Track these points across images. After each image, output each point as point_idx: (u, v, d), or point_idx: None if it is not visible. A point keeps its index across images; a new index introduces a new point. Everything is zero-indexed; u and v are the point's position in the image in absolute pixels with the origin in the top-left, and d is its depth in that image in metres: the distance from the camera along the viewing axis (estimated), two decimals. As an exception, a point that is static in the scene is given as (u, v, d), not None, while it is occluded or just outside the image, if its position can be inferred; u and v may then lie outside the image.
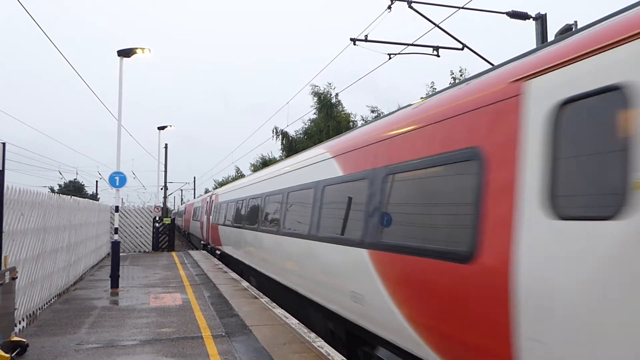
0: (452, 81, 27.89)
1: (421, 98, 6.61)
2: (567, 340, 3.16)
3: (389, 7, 11.65)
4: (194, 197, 65.09)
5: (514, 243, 3.65)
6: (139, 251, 25.43)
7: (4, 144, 6.77)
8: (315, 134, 36.23)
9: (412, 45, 12.75)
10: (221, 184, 66.97)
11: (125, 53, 14.35)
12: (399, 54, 13.10)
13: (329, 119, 36.15)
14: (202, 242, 28.73)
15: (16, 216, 7.83)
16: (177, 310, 9.79)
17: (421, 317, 4.82)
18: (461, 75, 28.02)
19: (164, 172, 37.07)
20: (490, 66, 7.15)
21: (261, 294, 11.91)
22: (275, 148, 73.88)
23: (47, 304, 10.00)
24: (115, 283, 12.82)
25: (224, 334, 7.84)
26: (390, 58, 13.19)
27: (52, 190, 66.70)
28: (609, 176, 3.07)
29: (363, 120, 36.61)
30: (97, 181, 65.12)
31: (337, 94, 36.13)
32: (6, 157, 6.89)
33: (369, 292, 5.95)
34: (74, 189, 71.39)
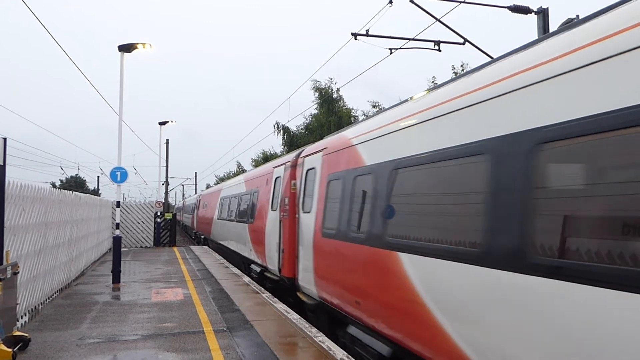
0: (454, 76, 27.71)
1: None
2: None
3: (390, 2, 11.61)
4: (195, 192, 60.03)
5: None
6: (141, 246, 25.47)
7: (5, 139, 6.77)
8: (316, 129, 36.19)
9: (413, 40, 12.72)
10: (222, 179, 63.90)
11: (126, 48, 14.33)
12: (400, 48, 13.07)
13: (330, 114, 36.09)
14: (252, 266, 14.57)
15: (18, 211, 7.84)
16: (179, 305, 9.81)
17: None
18: (462, 70, 27.88)
19: (165, 168, 37.16)
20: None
21: (262, 289, 11.82)
22: (276, 143, 73.84)
23: (48, 299, 10.03)
24: (116, 278, 12.86)
25: (225, 329, 7.86)
26: (391, 53, 13.17)
27: (54, 185, 66.69)
28: None
29: (364, 115, 36.54)
30: (98, 176, 65.22)
31: (338, 89, 36.09)
32: (7, 153, 6.90)
33: None
34: (75, 184, 71.52)
